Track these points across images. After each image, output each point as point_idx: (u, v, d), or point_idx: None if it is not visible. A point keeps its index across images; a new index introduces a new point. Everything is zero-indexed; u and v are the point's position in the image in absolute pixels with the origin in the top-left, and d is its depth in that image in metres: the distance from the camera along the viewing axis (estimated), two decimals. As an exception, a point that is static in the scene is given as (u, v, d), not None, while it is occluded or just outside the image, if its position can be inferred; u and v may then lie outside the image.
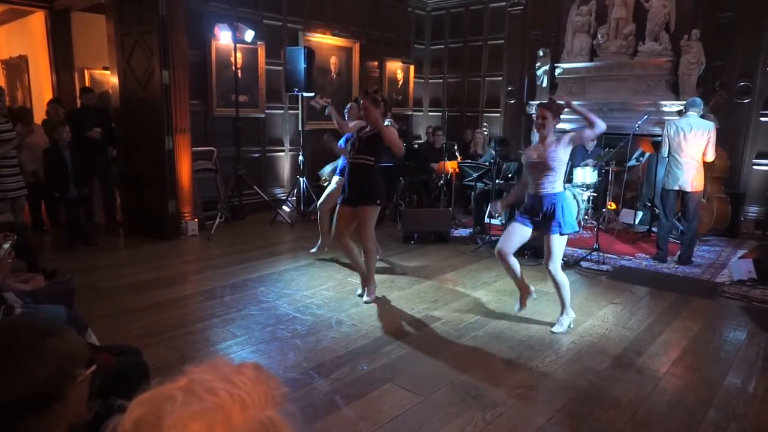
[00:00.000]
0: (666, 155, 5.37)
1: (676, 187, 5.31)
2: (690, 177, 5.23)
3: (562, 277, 3.72)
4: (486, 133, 8.27)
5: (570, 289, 3.79)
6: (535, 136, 5.49)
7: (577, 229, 3.69)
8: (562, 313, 3.82)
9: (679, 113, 6.67)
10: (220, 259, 5.41)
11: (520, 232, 3.77)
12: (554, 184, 3.62)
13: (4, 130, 5.11)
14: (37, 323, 1.15)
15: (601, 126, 3.52)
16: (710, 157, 5.25)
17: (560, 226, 3.57)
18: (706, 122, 5.30)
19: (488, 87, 9.40)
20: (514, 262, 3.86)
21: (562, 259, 5.32)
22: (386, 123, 7.11)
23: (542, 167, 3.61)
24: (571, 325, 3.83)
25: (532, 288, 4.03)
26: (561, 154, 3.59)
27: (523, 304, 4.00)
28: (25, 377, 1.02)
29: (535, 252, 5.25)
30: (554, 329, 3.77)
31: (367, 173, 4.13)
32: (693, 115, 5.25)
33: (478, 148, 8.16)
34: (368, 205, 4.13)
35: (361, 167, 4.14)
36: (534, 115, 3.62)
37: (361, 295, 4.35)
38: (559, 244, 3.62)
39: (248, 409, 0.59)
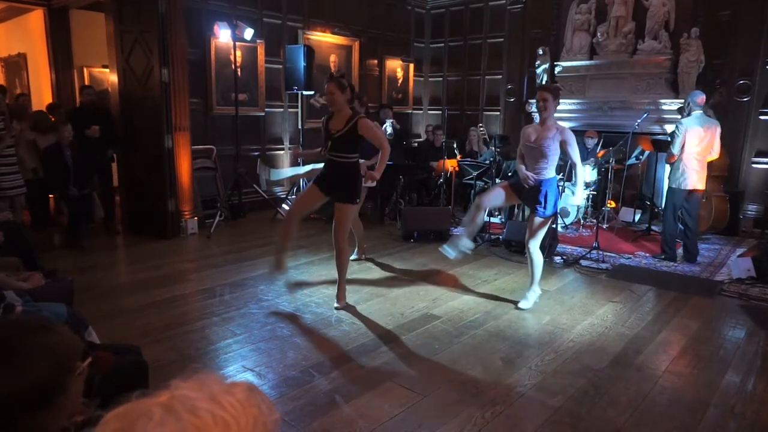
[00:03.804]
0: (678, 154, 5.25)
1: (691, 187, 5.24)
2: (703, 176, 5.24)
3: (538, 256, 4.03)
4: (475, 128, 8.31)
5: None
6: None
7: (553, 212, 3.99)
8: (529, 289, 4.09)
9: (680, 111, 6.65)
10: (220, 257, 5.40)
11: (501, 195, 4.17)
12: (548, 169, 3.88)
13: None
14: (29, 321, 1.15)
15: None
16: (717, 153, 5.26)
17: (544, 210, 3.88)
18: (712, 119, 5.31)
19: (488, 85, 9.40)
20: (482, 218, 4.35)
21: (562, 258, 5.43)
22: (387, 124, 7.17)
23: (538, 153, 3.85)
24: (537, 300, 4.13)
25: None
26: (556, 145, 3.82)
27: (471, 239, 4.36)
28: (29, 373, 1.02)
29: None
30: (521, 305, 4.04)
31: (347, 170, 3.89)
32: (700, 113, 5.23)
33: (473, 145, 8.16)
34: (347, 203, 3.93)
35: (340, 165, 3.89)
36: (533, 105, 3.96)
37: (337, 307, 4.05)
38: (540, 225, 3.95)
39: None
